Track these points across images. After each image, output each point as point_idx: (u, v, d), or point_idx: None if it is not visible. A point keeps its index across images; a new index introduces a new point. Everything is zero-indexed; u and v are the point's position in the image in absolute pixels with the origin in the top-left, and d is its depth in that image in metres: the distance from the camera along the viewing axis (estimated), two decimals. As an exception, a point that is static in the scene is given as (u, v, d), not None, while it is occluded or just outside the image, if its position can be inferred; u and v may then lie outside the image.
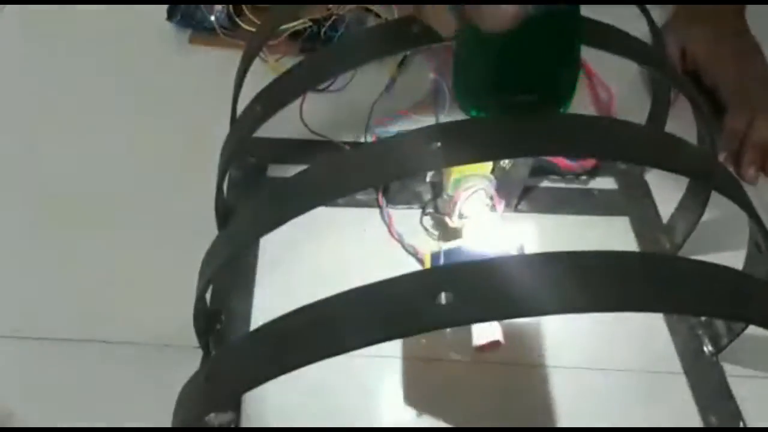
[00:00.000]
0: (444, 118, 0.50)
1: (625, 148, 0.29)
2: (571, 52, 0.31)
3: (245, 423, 0.38)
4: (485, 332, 0.38)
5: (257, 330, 0.24)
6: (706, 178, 0.33)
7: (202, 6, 0.60)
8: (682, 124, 0.42)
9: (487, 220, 0.43)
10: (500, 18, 0.24)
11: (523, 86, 0.30)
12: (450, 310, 0.21)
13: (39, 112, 0.55)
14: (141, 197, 0.48)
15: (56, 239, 0.46)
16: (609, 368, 0.42)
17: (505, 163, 0.44)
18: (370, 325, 0.22)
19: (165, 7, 0.61)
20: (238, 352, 0.26)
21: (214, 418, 0.37)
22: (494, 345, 0.37)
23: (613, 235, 0.49)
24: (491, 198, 0.44)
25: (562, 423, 0.39)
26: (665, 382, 0.41)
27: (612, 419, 0.39)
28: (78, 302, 0.42)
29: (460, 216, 0.43)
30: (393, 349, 0.41)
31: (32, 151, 0.52)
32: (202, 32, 0.61)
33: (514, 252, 0.42)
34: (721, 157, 0.54)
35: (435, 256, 0.43)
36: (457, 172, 0.43)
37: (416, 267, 0.45)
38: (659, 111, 0.48)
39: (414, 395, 0.39)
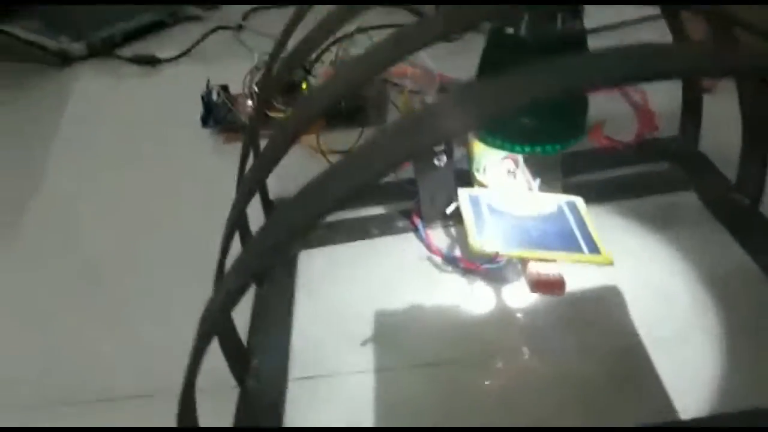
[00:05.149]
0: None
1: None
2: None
3: None
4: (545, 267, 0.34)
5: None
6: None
7: (232, 108, 0.64)
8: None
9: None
10: None
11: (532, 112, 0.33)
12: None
13: (86, 209, 0.56)
14: (177, 293, 0.45)
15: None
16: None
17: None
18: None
19: (199, 116, 0.64)
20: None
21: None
22: (555, 285, 0.33)
23: (682, 211, 0.44)
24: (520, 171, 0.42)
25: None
26: None
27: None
28: (106, 362, 0.40)
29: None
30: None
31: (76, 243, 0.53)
32: (235, 132, 0.64)
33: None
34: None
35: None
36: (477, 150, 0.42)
37: (459, 279, 0.41)
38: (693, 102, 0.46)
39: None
